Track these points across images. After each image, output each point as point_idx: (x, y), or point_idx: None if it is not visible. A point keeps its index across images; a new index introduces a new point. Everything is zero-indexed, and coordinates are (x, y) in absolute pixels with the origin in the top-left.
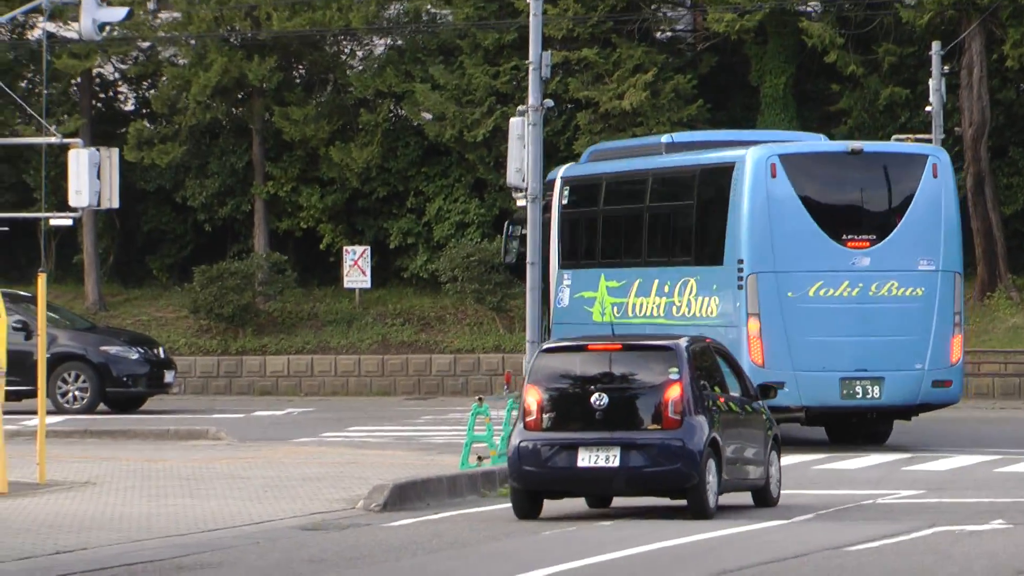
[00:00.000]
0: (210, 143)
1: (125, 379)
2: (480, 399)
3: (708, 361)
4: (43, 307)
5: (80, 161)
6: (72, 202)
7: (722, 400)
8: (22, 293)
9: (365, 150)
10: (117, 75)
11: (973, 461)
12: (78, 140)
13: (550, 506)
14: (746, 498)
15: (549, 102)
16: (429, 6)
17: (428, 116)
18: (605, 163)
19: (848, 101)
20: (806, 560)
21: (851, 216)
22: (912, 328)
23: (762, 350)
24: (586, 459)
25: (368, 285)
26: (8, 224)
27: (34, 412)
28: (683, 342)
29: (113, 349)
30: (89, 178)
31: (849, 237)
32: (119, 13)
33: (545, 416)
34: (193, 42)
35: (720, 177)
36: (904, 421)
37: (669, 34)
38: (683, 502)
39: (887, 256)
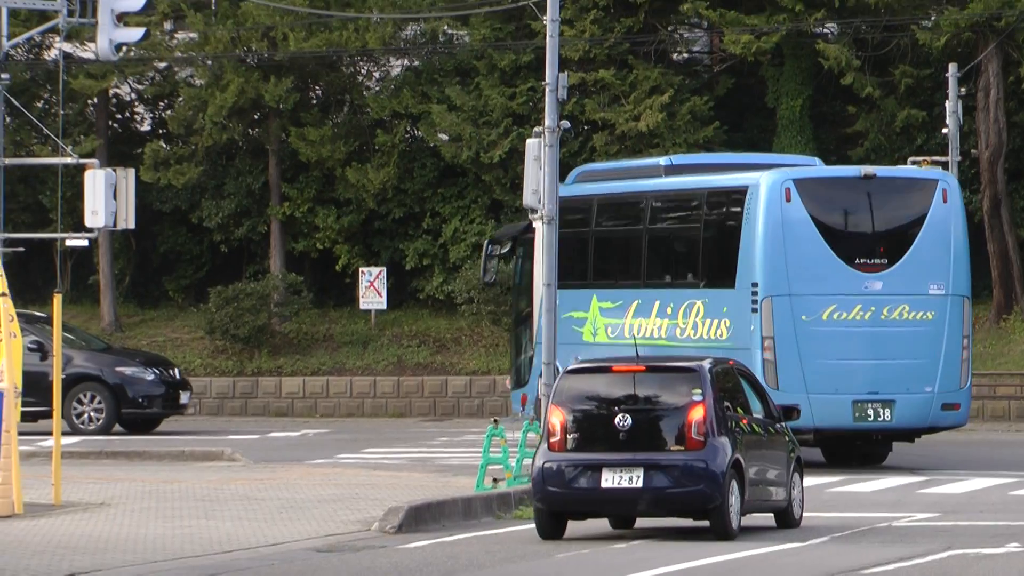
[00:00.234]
0: (226, 164)
1: (141, 400)
2: (495, 421)
3: (731, 383)
4: (59, 328)
5: (96, 182)
6: (88, 223)
7: (745, 421)
8: (38, 313)
9: (381, 171)
10: (133, 95)
11: (988, 484)
12: (94, 161)
13: (574, 527)
14: (768, 519)
15: (566, 123)
16: (446, 27)
17: (444, 137)
18: (595, 184)
19: (864, 123)
20: None
21: (864, 240)
22: (922, 351)
23: (776, 373)
24: (610, 480)
25: (384, 306)
26: (24, 244)
27: (49, 433)
28: (706, 364)
29: (129, 370)
30: (105, 199)
31: (862, 261)
32: (136, 33)
33: (569, 437)
34: (210, 63)
35: (731, 200)
36: (908, 443)
37: (686, 56)
38: (706, 523)
39: (899, 280)
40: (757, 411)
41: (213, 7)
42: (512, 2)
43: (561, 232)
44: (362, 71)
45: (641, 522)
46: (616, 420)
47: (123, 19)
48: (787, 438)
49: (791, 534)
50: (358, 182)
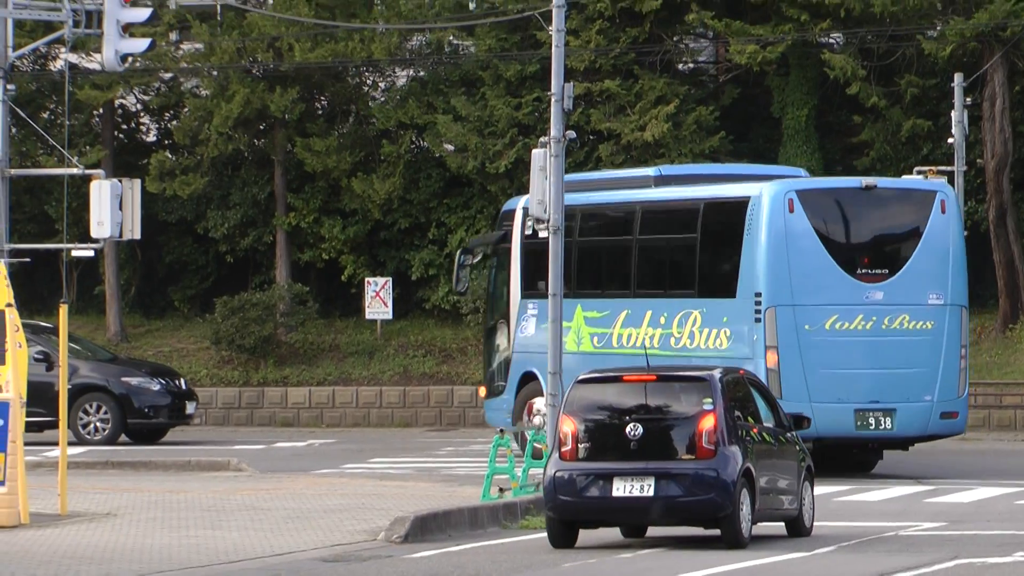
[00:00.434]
0: (232, 174)
1: (147, 410)
2: (502, 431)
3: (741, 392)
4: (64, 338)
5: (102, 192)
6: (94, 233)
7: (755, 430)
8: (44, 324)
9: (387, 181)
10: (139, 106)
11: (995, 493)
12: (100, 171)
13: (585, 535)
14: (779, 528)
15: (571, 134)
16: (451, 38)
17: (450, 147)
18: (577, 195)
19: (870, 133)
20: None
21: (865, 250)
22: (922, 361)
23: (779, 382)
24: (621, 489)
25: (390, 316)
26: (30, 255)
27: (55, 443)
28: (717, 373)
29: (135, 380)
30: (111, 209)
31: (863, 271)
32: (141, 44)
33: (580, 446)
34: (215, 73)
35: (730, 211)
36: (903, 451)
37: (691, 66)
38: (717, 532)
39: (899, 290)
40: (767, 420)
41: (219, 18)
42: (517, 13)
43: (539, 241)
44: (368, 81)
45: (653, 531)
46: (627, 429)
47: (129, 30)
48: (797, 447)
49: (800, 543)
50: (364, 192)
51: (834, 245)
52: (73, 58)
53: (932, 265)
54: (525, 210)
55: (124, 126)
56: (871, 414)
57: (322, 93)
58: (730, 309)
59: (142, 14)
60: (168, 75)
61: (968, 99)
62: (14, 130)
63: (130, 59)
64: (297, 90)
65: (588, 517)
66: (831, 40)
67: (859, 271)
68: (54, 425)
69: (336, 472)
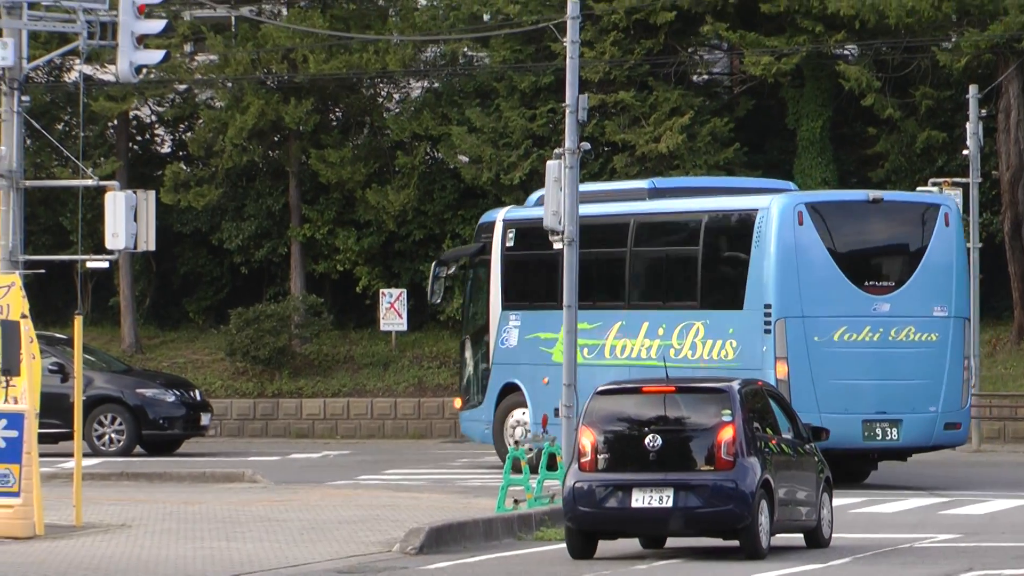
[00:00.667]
0: (246, 186)
1: (161, 422)
2: (516, 442)
3: (760, 403)
4: (79, 349)
5: (117, 204)
6: (108, 245)
7: (774, 442)
8: (59, 335)
9: (402, 193)
10: (154, 118)
11: (1010, 505)
12: (115, 183)
13: (605, 547)
14: (798, 539)
15: (586, 145)
16: (466, 49)
17: (464, 159)
18: None
19: (885, 144)
20: None
21: (872, 263)
22: (927, 372)
23: (789, 393)
24: (640, 500)
25: (404, 328)
26: (45, 266)
27: (70, 454)
28: (736, 385)
29: (149, 391)
30: (126, 221)
31: (870, 283)
32: (156, 56)
33: (600, 457)
34: (230, 85)
35: (737, 223)
36: (901, 461)
37: (706, 77)
38: (736, 543)
39: (905, 302)
40: (786, 431)
41: (233, 29)
42: (532, 24)
43: (523, 254)
44: (382, 93)
45: (672, 542)
46: (646, 440)
47: (143, 42)
48: (816, 458)
49: (815, 555)
50: (378, 204)
51: (842, 257)
52: (87, 70)
53: (936, 277)
54: (507, 222)
55: (138, 137)
56: (878, 425)
57: (336, 104)
58: (737, 320)
59: (156, 26)
60: (182, 87)
61: (983, 111)
62: (29, 142)
63: (144, 71)
64: (312, 101)
65: (607, 528)
66: (846, 52)
67: (866, 283)
68: (69, 436)
69: (351, 483)
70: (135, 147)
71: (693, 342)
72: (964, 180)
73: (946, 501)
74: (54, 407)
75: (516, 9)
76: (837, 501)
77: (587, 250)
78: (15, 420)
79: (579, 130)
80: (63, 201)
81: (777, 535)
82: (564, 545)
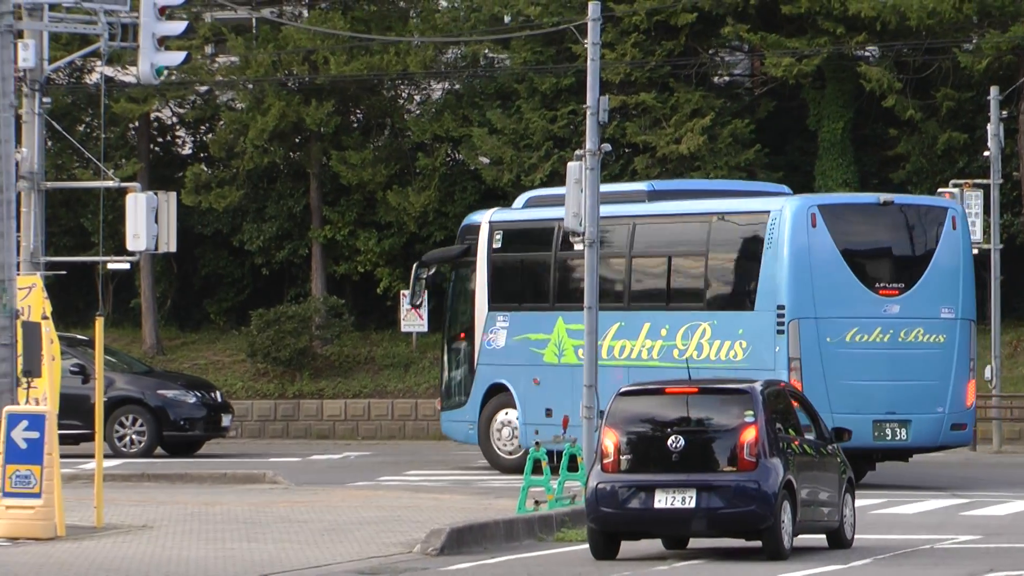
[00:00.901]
0: (267, 187)
1: (182, 423)
2: (537, 443)
3: (782, 404)
4: (100, 351)
5: (138, 205)
6: (130, 246)
7: (796, 443)
8: (80, 337)
9: (422, 194)
10: (175, 119)
11: None
12: (136, 184)
13: (627, 547)
14: (820, 540)
15: (607, 146)
16: (487, 51)
17: (485, 160)
18: (551, 209)
19: (906, 146)
20: None
21: (883, 265)
22: (935, 373)
23: None
24: (663, 501)
25: (425, 329)
26: (66, 268)
27: (91, 455)
28: (758, 386)
29: (170, 393)
30: (147, 222)
31: (881, 285)
32: (177, 57)
33: (622, 458)
34: (251, 86)
35: (749, 224)
36: (901, 462)
37: (727, 79)
38: (758, 543)
39: (914, 304)
40: (808, 432)
41: (254, 31)
42: (553, 26)
43: (512, 255)
44: (403, 94)
45: (694, 542)
46: (669, 441)
47: (164, 43)
48: (839, 459)
49: (837, 555)
50: (399, 205)
51: (853, 259)
52: (109, 71)
53: (944, 280)
54: (493, 224)
55: (160, 139)
56: (888, 425)
57: (357, 106)
58: (747, 321)
59: (177, 27)
60: (204, 88)
61: (1004, 112)
62: (50, 143)
63: (166, 72)
64: (332, 103)
65: (630, 529)
66: (867, 53)
67: (877, 285)
68: (90, 437)
69: (372, 484)
70: (156, 148)
71: (699, 343)
72: (985, 181)
73: (967, 502)
74: (75, 408)
75: (537, 11)
76: (859, 502)
77: (572, 251)
78: (36, 421)
79: (600, 132)
80: (84, 203)
81: (799, 536)
82: (585, 546)
